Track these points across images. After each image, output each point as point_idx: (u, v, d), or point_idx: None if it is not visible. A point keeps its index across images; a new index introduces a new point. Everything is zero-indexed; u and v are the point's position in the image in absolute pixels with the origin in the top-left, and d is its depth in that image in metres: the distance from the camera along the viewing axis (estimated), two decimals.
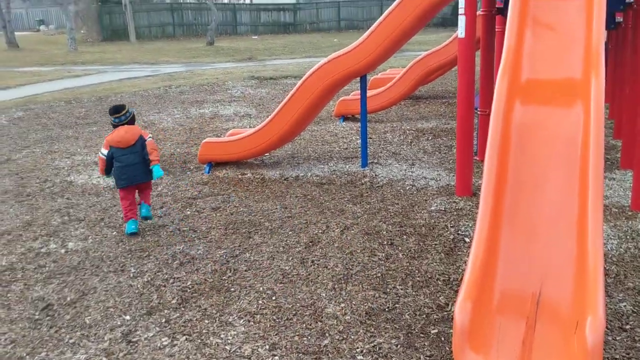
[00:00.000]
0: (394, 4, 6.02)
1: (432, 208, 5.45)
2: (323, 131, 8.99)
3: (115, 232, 5.27)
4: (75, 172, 7.31)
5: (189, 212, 5.70)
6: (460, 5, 5.46)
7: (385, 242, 4.72)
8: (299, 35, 34.00)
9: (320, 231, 5.03)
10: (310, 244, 4.78)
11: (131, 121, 5.34)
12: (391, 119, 9.77)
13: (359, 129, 8.79)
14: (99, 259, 4.71)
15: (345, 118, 9.77)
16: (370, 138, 8.25)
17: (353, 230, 5.02)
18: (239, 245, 4.83)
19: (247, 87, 13.76)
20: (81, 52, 25.29)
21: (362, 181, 6.35)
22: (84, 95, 13.45)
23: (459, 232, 4.86)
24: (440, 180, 6.25)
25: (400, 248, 4.61)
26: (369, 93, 9.60)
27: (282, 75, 15.37)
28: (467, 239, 4.71)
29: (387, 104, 9.58)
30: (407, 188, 6.05)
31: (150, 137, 5.37)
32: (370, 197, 5.86)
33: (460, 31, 5.50)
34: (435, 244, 4.66)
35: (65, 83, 15.85)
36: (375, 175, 6.53)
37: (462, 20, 5.48)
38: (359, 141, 8.11)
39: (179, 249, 4.82)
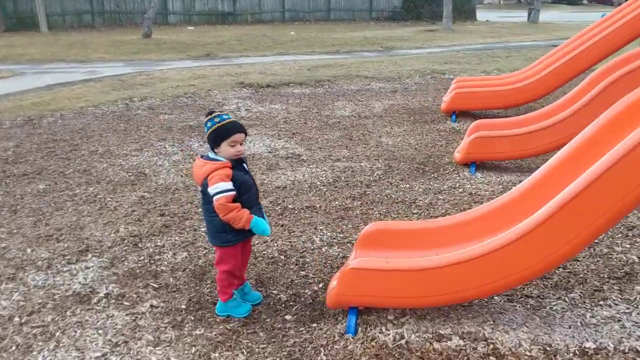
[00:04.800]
0: None
1: None
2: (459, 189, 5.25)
3: None
4: (37, 316, 3.20)
5: None
6: None
7: None
8: (242, 27, 29.62)
9: None
10: None
11: (214, 139, 3.23)
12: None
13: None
14: None
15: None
16: None
17: None
18: None
19: (246, 101, 9.70)
20: None
21: None
22: (4, 114, 8.92)
23: None
24: None
25: None
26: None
27: (281, 82, 11.38)
28: None
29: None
30: None
31: (218, 194, 3.14)
32: None
33: None
34: None
35: None
36: None
37: None
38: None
39: None
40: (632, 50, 6.11)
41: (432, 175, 5.84)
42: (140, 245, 4.39)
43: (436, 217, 4.80)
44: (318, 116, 8.57)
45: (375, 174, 5.89)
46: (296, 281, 3.85)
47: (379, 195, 5.30)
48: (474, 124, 6.26)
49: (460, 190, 5.39)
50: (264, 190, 5.48)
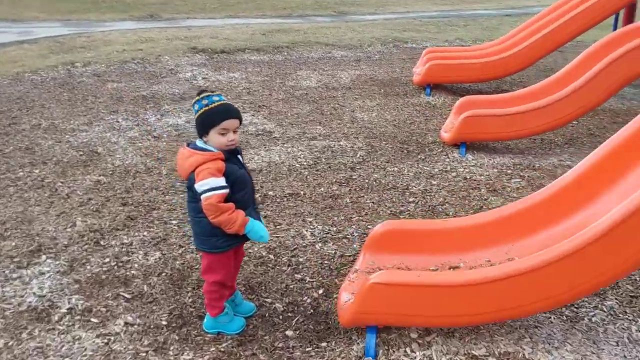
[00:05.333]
0: None
1: None
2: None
3: None
4: None
5: None
6: None
7: None
8: None
9: None
10: None
11: (202, 125, 2.69)
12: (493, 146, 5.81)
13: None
14: None
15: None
16: None
17: None
18: None
19: (201, 68, 8.97)
20: None
21: None
22: None
23: None
24: None
25: None
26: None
27: (236, 48, 10.63)
28: None
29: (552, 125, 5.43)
30: None
31: (207, 191, 2.60)
32: None
33: None
34: None
35: None
36: None
37: None
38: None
39: None
40: (631, 25, 5.79)
41: (419, 156, 5.40)
42: (102, 242, 3.78)
43: (434, 205, 4.38)
44: (283, 87, 7.97)
45: (358, 155, 5.40)
46: (291, 286, 3.36)
47: (367, 180, 4.82)
48: (460, 101, 5.83)
49: (454, 174, 4.97)
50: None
